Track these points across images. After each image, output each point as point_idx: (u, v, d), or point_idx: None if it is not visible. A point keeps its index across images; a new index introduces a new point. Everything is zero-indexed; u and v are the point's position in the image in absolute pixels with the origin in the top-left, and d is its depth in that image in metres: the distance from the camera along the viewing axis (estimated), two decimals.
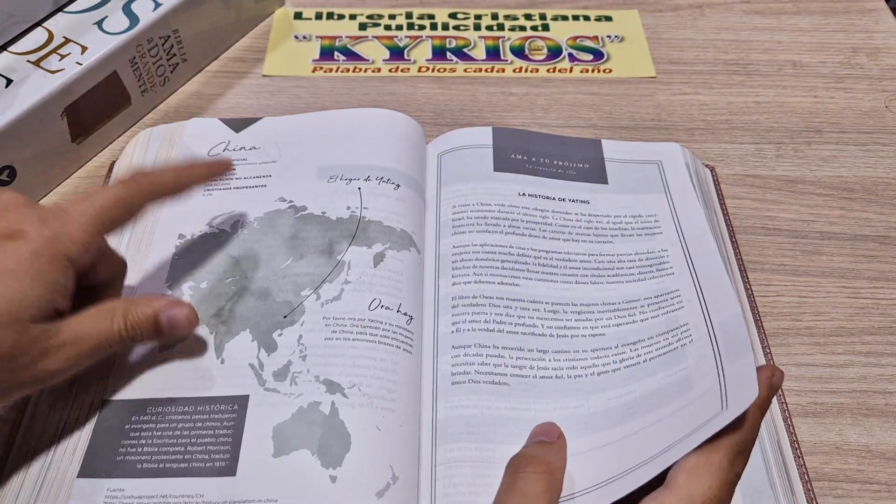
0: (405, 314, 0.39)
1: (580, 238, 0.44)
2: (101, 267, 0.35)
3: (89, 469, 0.34)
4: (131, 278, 0.41)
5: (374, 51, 0.57)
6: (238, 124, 0.49)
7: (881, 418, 0.39)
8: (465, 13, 0.60)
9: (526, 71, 0.56)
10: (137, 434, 0.35)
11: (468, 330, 0.39)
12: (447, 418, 0.36)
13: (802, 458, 0.37)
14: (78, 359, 0.32)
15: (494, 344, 0.39)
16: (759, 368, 0.31)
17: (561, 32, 0.59)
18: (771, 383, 0.31)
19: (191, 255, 0.42)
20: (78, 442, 0.35)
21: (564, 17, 0.60)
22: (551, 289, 0.41)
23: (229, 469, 0.34)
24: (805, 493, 0.36)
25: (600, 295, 0.41)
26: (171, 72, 0.53)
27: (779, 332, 0.42)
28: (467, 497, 0.34)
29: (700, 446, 0.29)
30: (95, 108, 0.48)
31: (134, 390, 0.36)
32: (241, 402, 0.36)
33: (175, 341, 0.38)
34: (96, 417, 0.36)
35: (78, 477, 0.34)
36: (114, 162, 0.49)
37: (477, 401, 0.37)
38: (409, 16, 0.60)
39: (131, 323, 0.34)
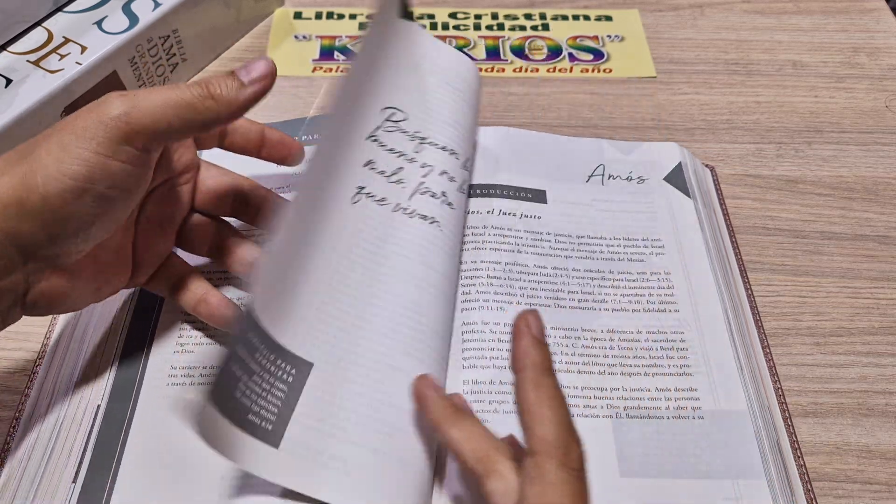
0: None
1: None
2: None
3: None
4: None
5: None
6: None
7: (881, 418, 0.39)
8: (464, 13, 0.60)
9: (526, 71, 0.56)
10: None
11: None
12: None
13: (802, 459, 0.37)
14: (160, 114, 0.30)
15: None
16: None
17: (561, 32, 0.59)
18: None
19: None
20: (73, 445, 0.35)
21: (564, 17, 0.60)
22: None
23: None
24: (805, 493, 0.36)
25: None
26: (171, 72, 0.53)
27: (779, 332, 0.42)
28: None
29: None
30: None
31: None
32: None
33: (256, 95, 0.32)
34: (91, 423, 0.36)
35: (73, 482, 0.34)
36: None
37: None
38: None
39: (206, 80, 0.31)
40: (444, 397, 0.33)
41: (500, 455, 0.29)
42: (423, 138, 0.40)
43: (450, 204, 0.39)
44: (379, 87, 0.39)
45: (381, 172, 0.38)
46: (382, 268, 0.36)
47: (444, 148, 0.40)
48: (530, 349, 0.30)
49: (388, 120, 0.39)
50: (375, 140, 0.38)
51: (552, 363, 0.30)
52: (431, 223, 0.38)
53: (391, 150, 0.38)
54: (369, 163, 0.38)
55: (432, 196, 0.39)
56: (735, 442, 0.36)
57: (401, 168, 0.38)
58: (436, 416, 0.32)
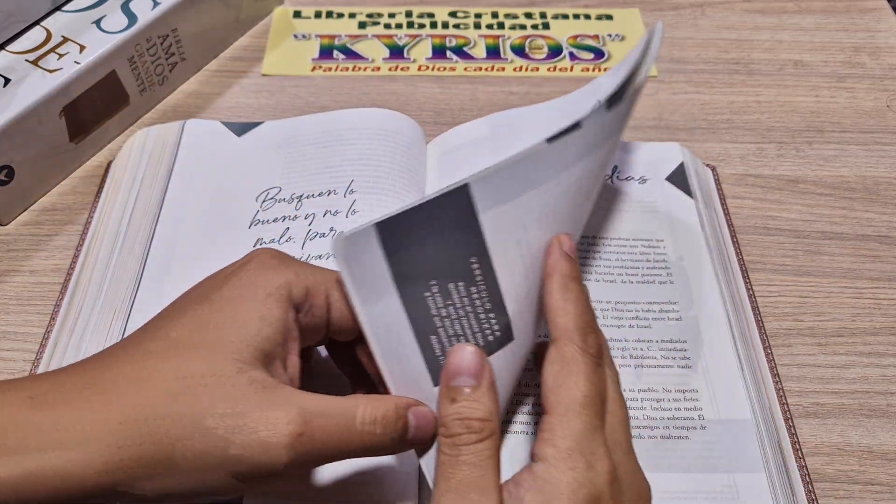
0: None
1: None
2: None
3: None
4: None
5: (374, 50, 0.57)
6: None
7: (882, 419, 0.39)
8: (465, 12, 0.60)
9: (526, 70, 0.56)
10: None
11: None
12: None
13: (804, 459, 0.37)
14: (308, 446, 0.26)
15: None
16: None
17: (561, 31, 0.59)
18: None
19: None
20: None
21: (565, 16, 0.60)
22: None
23: None
24: (806, 493, 0.36)
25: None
26: (170, 71, 0.52)
27: (780, 333, 0.42)
28: None
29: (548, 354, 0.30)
30: (94, 107, 0.48)
31: None
32: None
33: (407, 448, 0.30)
34: None
35: None
36: (111, 162, 0.49)
37: None
38: (408, 14, 0.60)
39: (379, 416, 0.27)
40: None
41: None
42: (300, 196, 0.44)
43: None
44: (243, 185, 0.45)
45: (271, 241, 0.42)
46: None
47: (321, 194, 0.44)
48: (560, 261, 0.31)
49: (263, 202, 0.45)
50: (258, 223, 0.43)
51: (580, 274, 0.31)
52: (326, 260, 0.41)
53: (274, 220, 0.44)
54: (257, 242, 0.43)
55: (321, 237, 0.42)
56: (736, 442, 0.36)
57: (287, 229, 0.43)
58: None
